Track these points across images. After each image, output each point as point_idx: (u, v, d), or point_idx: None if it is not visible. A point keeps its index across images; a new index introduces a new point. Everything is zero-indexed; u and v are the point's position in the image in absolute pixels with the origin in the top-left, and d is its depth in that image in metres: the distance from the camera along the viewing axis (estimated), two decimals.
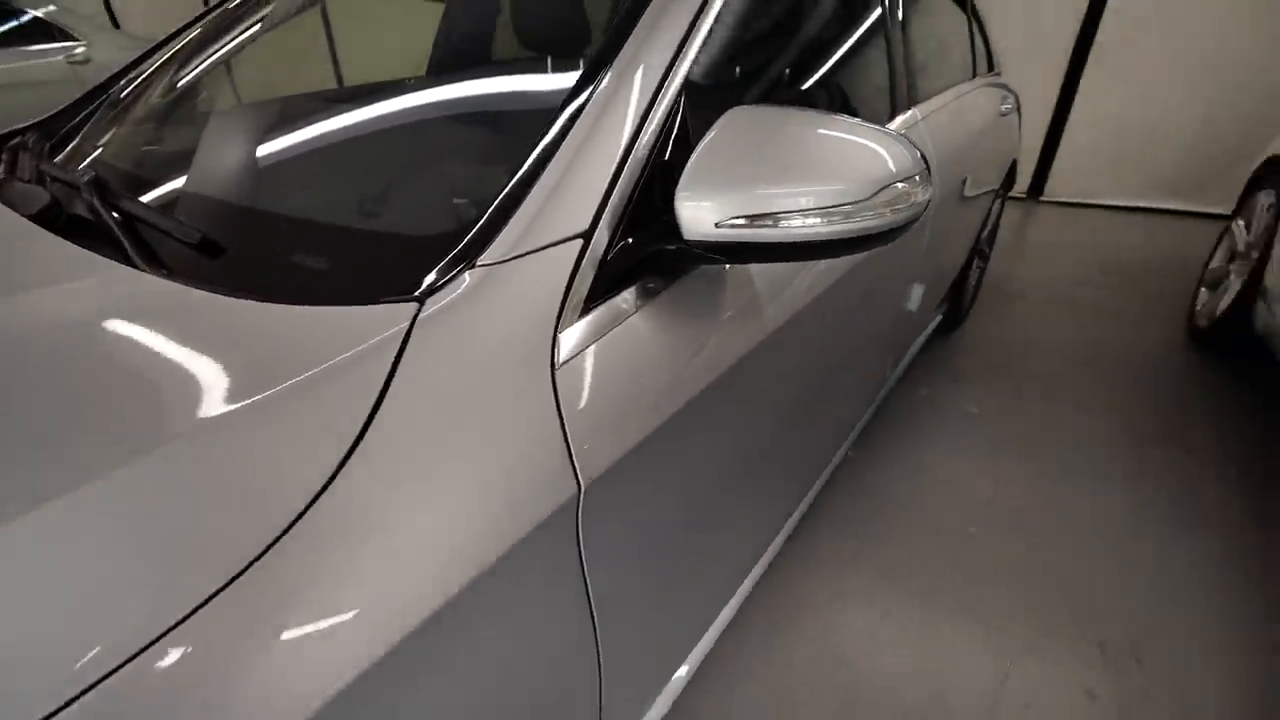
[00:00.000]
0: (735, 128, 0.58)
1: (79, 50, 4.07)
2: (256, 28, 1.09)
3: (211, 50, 1.11)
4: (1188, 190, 3.61)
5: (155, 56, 1.18)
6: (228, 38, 1.10)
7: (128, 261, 0.59)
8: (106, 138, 0.97)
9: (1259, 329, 1.97)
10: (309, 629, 0.36)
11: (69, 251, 0.63)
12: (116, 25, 5.94)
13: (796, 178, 0.55)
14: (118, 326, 0.51)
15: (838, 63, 1.07)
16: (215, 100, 1.10)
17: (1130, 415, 1.95)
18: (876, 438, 1.81)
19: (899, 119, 1.22)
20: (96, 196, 0.66)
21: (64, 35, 4.13)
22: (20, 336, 0.51)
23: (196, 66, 1.09)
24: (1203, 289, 2.44)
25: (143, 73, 1.12)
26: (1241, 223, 2.29)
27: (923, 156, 0.60)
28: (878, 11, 1.19)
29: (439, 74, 1.10)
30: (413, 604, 0.40)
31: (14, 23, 3.99)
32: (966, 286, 2.26)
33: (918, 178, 0.59)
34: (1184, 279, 2.79)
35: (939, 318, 2.11)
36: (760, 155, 0.56)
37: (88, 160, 0.91)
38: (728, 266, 0.69)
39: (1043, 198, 3.92)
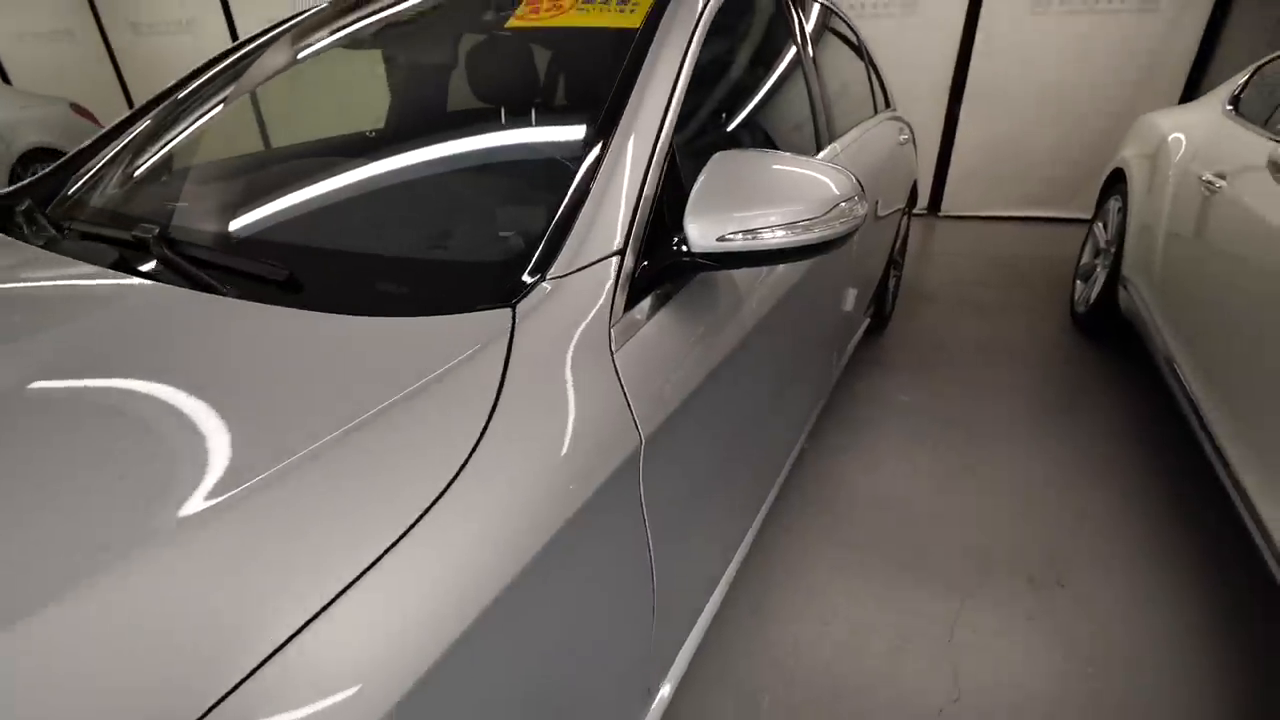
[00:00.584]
0: (722, 166, 0.76)
1: None
2: (261, 79, 1.21)
3: (231, 95, 1.21)
4: (1055, 201, 4.18)
5: (166, 103, 1.27)
6: (242, 84, 1.22)
7: (265, 299, 0.69)
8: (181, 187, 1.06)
9: (1124, 310, 2.35)
10: (449, 573, 0.47)
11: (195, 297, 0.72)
12: (8, 81, 5.67)
13: (769, 202, 0.74)
14: (282, 347, 0.62)
15: (774, 111, 1.30)
16: (267, 147, 1.21)
17: (1032, 390, 2.27)
18: (826, 428, 2.04)
19: (823, 152, 1.47)
20: (221, 247, 0.75)
21: None
22: (193, 364, 0.61)
23: (221, 109, 1.20)
24: (1078, 281, 2.87)
25: (170, 119, 1.21)
26: (1100, 224, 2.73)
27: (858, 181, 0.81)
28: (798, 67, 1.44)
29: (409, 128, 1.25)
30: (527, 541, 0.53)
31: None
32: (887, 293, 2.56)
33: (856, 198, 0.79)
34: (1062, 274, 3.24)
35: (868, 320, 2.39)
36: (741, 187, 0.75)
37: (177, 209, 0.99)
38: (720, 273, 0.87)
39: (940, 213, 4.42)
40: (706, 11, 1.01)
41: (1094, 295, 2.62)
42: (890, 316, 2.78)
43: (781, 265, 1.07)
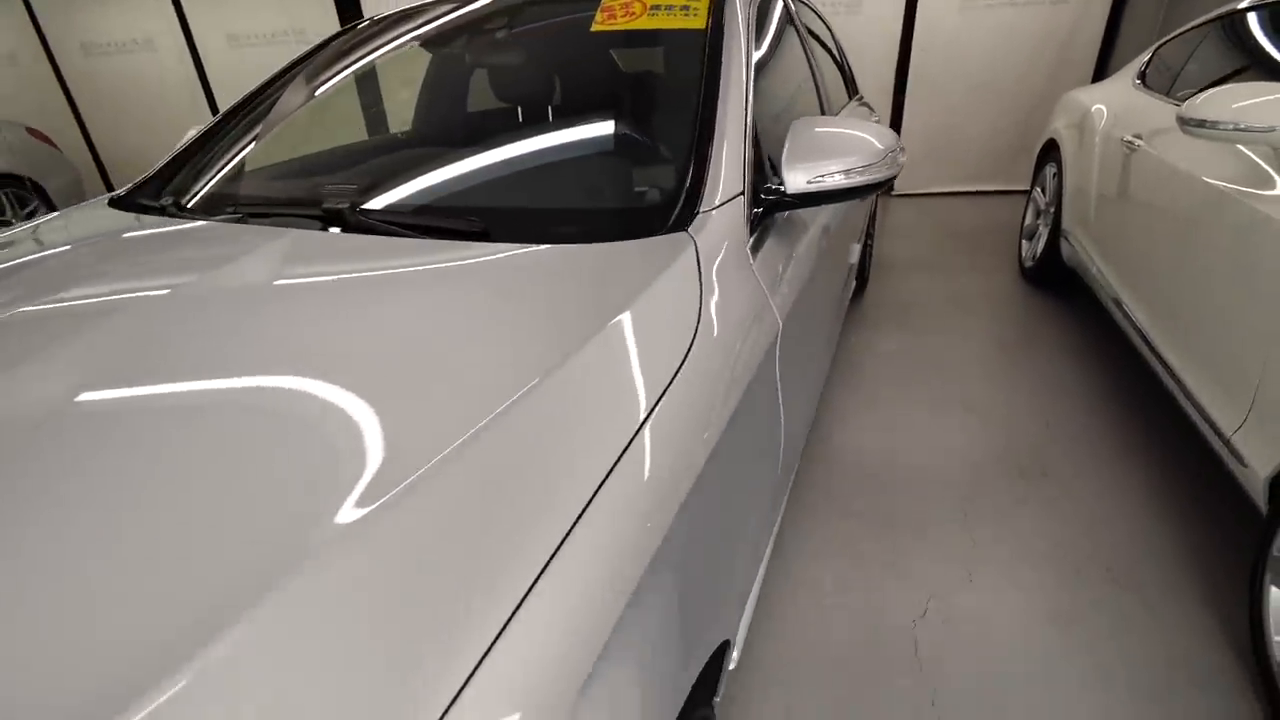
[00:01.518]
0: (801, 130, 1.01)
1: None
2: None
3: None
4: (993, 175, 4.64)
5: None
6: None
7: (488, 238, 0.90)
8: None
9: (1066, 259, 2.73)
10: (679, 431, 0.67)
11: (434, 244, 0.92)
12: None
13: (840, 155, 1.00)
14: (550, 268, 0.81)
15: (794, 90, 1.57)
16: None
17: (993, 333, 2.63)
18: (831, 375, 2.32)
19: None
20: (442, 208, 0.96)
21: None
22: (443, 292, 0.80)
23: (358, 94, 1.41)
24: (1024, 241, 3.27)
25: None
26: (1039, 189, 3.12)
27: (897, 136, 1.07)
28: (805, 55, 1.71)
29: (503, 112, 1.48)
30: (722, 405, 0.75)
31: None
32: (864, 263, 2.88)
33: (899, 149, 1.05)
34: (1008, 238, 3.65)
35: (854, 284, 2.70)
36: (818, 145, 1.00)
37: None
38: (797, 211, 1.12)
39: (894, 193, 4.82)
40: (749, 14, 1.26)
41: (1039, 251, 3.01)
42: (867, 281, 3.11)
43: (829, 210, 1.33)
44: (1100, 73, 4.24)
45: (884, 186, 1.03)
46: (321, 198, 1.11)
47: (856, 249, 2.18)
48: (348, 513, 0.49)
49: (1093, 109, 2.61)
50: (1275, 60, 1.83)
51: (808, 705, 1.21)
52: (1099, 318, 2.58)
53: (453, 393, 0.60)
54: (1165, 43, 2.51)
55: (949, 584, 1.45)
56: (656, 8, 1.26)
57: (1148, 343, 1.84)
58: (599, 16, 1.29)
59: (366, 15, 4.71)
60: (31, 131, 4.55)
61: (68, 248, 1.10)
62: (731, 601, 0.80)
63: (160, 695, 0.38)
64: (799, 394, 1.14)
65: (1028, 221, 3.24)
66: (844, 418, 2.08)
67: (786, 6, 1.68)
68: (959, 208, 4.46)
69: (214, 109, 5.31)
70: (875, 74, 4.44)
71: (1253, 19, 1.95)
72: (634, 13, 1.27)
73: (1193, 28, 2.33)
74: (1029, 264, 3.13)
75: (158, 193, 1.37)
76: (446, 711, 0.39)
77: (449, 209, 1.07)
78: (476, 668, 0.40)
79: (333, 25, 4.76)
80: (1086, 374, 2.27)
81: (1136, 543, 1.55)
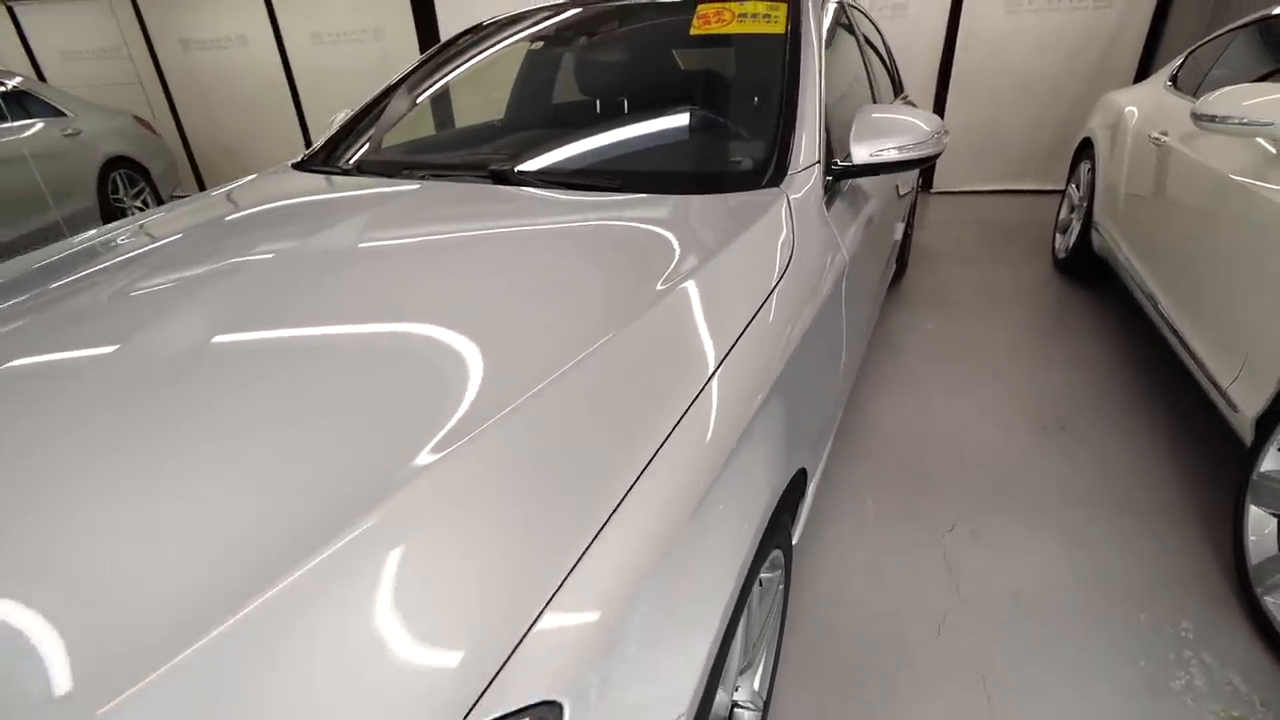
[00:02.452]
0: (866, 113, 1.28)
1: (71, 124, 4.28)
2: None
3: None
4: (1030, 174, 4.79)
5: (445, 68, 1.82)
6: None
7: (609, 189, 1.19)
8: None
9: (1096, 250, 2.92)
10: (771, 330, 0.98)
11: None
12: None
13: (896, 135, 1.26)
14: (681, 211, 1.11)
15: (853, 84, 1.83)
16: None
17: (1026, 316, 2.83)
18: (873, 350, 2.57)
19: None
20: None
21: (45, 107, 4.28)
22: (582, 234, 1.09)
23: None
24: (1058, 234, 3.45)
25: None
26: (1074, 186, 3.31)
27: (941, 121, 1.33)
28: (860, 55, 1.97)
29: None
30: (808, 307, 1.02)
31: None
32: (904, 251, 3.11)
33: (943, 131, 1.31)
34: (1042, 233, 3.83)
35: (894, 268, 2.93)
36: (879, 126, 1.27)
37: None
38: (860, 180, 1.39)
39: (932, 189, 5.00)
40: (820, 21, 1.53)
41: (1071, 243, 3.19)
42: (906, 267, 3.33)
43: (879, 193, 1.60)
44: (1142, 76, 4.36)
45: (930, 161, 1.29)
46: (484, 161, 1.42)
47: (900, 227, 2.42)
48: (505, 402, 0.65)
49: (1126, 109, 2.79)
50: None
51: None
52: (1123, 304, 2.77)
53: (624, 291, 0.87)
54: (1196, 48, 2.68)
55: (975, 509, 1.70)
56: (744, 15, 1.54)
57: (1163, 316, 2.05)
58: (695, 23, 1.57)
59: (440, 18, 5.12)
60: (138, 120, 5.04)
61: (285, 200, 1.42)
62: (811, 441, 1.07)
63: (351, 533, 0.52)
64: (857, 316, 1.42)
65: (1062, 216, 3.42)
66: (885, 384, 2.33)
67: (847, 15, 1.94)
68: (996, 205, 4.62)
69: (297, 102, 5.76)
70: (918, 74, 4.64)
71: (1274, 27, 2.14)
72: (725, 20, 1.55)
73: (1220, 35, 2.51)
74: (1062, 255, 3.31)
75: (327, 159, 1.70)
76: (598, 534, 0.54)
77: (596, 170, 1.38)
78: (628, 492, 0.59)
79: (409, 25, 5.14)
80: (1108, 351, 2.48)
81: (1141, 482, 1.77)
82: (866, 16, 2.46)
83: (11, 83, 4.21)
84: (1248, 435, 1.49)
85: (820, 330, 1.06)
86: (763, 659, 1.07)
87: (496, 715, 0.43)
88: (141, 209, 4.84)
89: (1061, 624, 1.37)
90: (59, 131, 4.20)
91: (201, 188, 6.42)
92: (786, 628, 1.30)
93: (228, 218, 1.32)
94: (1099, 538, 1.60)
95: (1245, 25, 2.35)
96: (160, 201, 5.02)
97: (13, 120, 4.02)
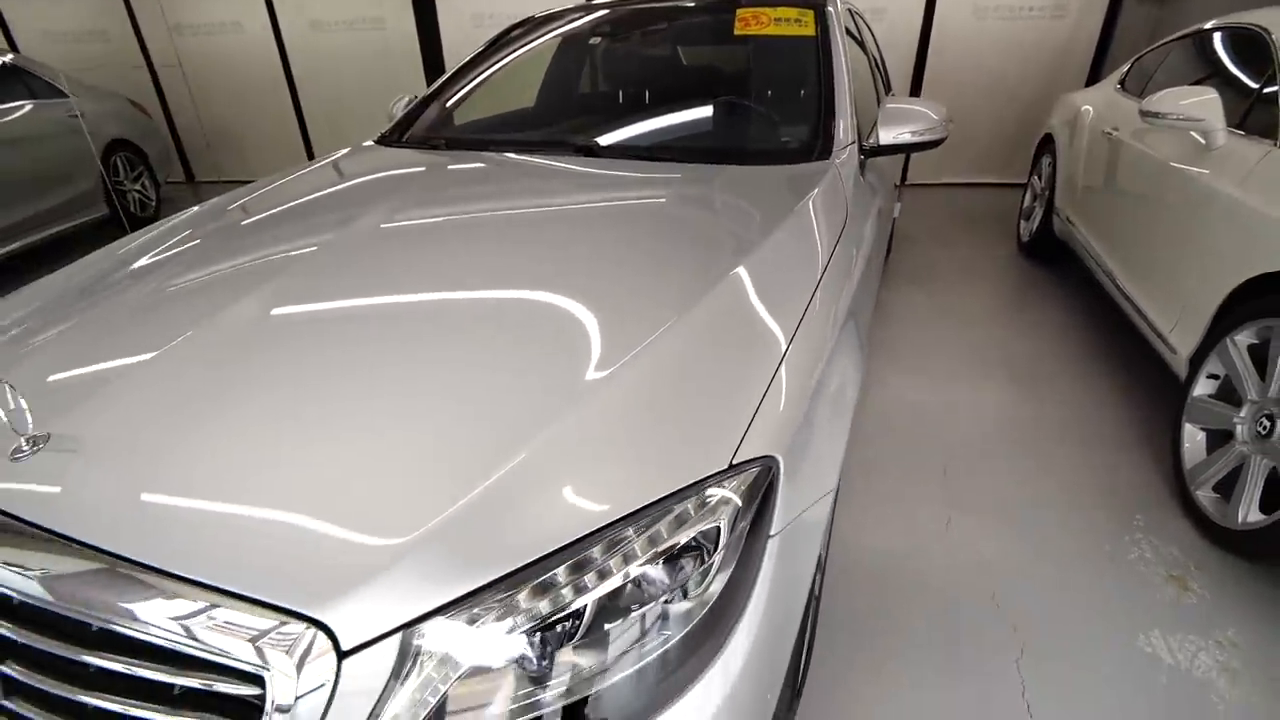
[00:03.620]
0: (891, 106, 1.57)
1: (74, 105, 4.29)
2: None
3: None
4: (995, 168, 5.23)
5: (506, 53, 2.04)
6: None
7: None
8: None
9: (1057, 232, 3.31)
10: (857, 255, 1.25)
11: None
12: None
13: (913, 122, 1.55)
14: (753, 179, 1.37)
15: (865, 80, 2.13)
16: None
17: (996, 291, 3.21)
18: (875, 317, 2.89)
19: None
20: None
21: (45, 85, 4.26)
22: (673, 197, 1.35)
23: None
24: (1022, 221, 3.85)
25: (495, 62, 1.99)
26: (1036, 176, 3.70)
27: (947, 110, 1.63)
28: (865, 55, 2.27)
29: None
30: (861, 250, 1.30)
31: None
32: (891, 237, 3.45)
33: (950, 119, 1.61)
34: (1007, 220, 4.23)
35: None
36: (900, 114, 1.56)
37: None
38: (881, 159, 1.68)
39: (906, 182, 5.40)
40: (842, 26, 1.81)
41: (1034, 228, 3.59)
42: (890, 251, 3.68)
43: (883, 177, 1.91)
44: (1093, 79, 4.82)
45: (939, 143, 1.59)
46: (562, 138, 1.66)
47: (898, 206, 2.75)
48: (679, 304, 0.93)
49: (1082, 108, 3.18)
50: (1224, 70, 2.41)
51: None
52: (1079, 279, 3.16)
53: (721, 244, 1.14)
54: (1141, 56, 3.08)
55: (963, 440, 2.02)
56: (779, 19, 1.82)
57: (1115, 283, 2.41)
58: (737, 24, 1.84)
59: (439, 9, 5.26)
60: (132, 103, 5.04)
61: (382, 171, 1.62)
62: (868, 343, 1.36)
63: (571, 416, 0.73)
64: (880, 250, 1.76)
65: (1025, 204, 3.82)
66: (878, 348, 2.65)
67: (855, 23, 2.24)
68: (966, 196, 5.04)
69: (293, 89, 5.80)
70: (895, 74, 5.01)
71: (1209, 39, 2.53)
72: (762, 23, 1.82)
73: (1162, 44, 2.90)
74: (1026, 239, 3.71)
75: (400, 138, 1.91)
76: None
77: (678, 145, 1.66)
78: (779, 366, 0.87)
79: (409, 15, 5.27)
80: (1066, 317, 2.86)
81: (1096, 416, 2.13)
82: (865, 22, 2.77)
83: (2, 59, 4.18)
84: (1183, 371, 1.85)
85: (870, 261, 1.36)
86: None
87: (746, 458, 0.70)
88: (140, 192, 4.86)
89: (1046, 517, 1.70)
90: (64, 112, 4.21)
91: (189, 176, 6.39)
92: None
93: (350, 184, 1.53)
94: (1068, 459, 1.94)
95: (1183, 37, 2.75)
96: (158, 186, 5.04)
97: (13, 100, 4.01)
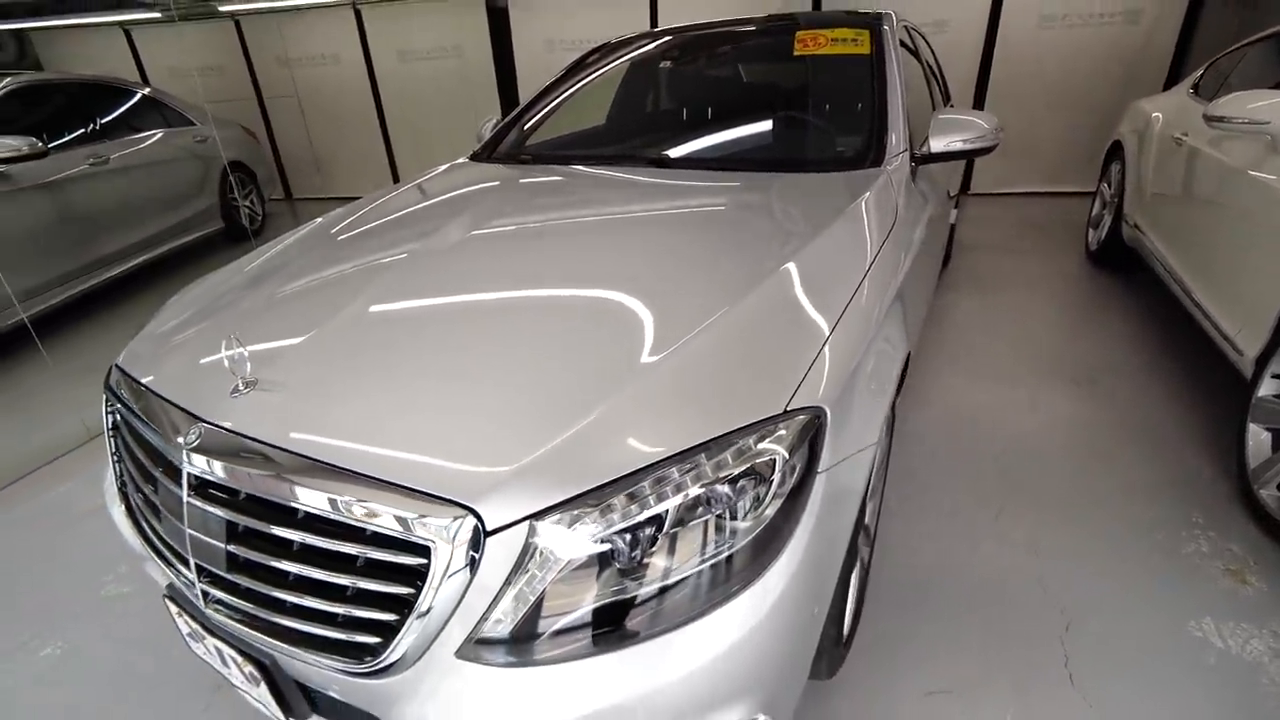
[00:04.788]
0: (940, 117, 1.68)
1: (200, 132, 4.87)
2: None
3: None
4: (1062, 177, 5.12)
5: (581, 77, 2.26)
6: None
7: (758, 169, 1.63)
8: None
9: (1126, 240, 3.26)
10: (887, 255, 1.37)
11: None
12: None
13: (963, 131, 1.66)
14: (818, 185, 1.52)
15: (922, 93, 2.23)
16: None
17: (1062, 297, 3.18)
18: (932, 322, 2.94)
19: None
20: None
21: (177, 115, 4.84)
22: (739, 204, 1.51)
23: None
24: (1090, 229, 3.79)
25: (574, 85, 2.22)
26: (1105, 184, 3.65)
27: (998, 120, 1.72)
28: (923, 69, 2.37)
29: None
30: (909, 247, 1.42)
31: (132, 101, 4.58)
32: (950, 244, 3.48)
33: (1000, 128, 1.71)
34: (1075, 229, 4.16)
35: (942, 256, 3.31)
36: (950, 125, 1.67)
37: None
38: (932, 165, 1.79)
39: (970, 191, 5.35)
40: (896, 44, 1.93)
41: (1103, 236, 3.53)
42: (950, 258, 3.70)
43: (945, 177, 2.00)
44: (1171, 85, 4.67)
45: (989, 150, 1.68)
46: (635, 151, 1.85)
47: (954, 213, 2.81)
48: (739, 291, 1.08)
49: (1152, 115, 3.14)
50: None
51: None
52: (1147, 287, 3.10)
53: (776, 241, 1.28)
54: (1215, 60, 3.03)
55: (1020, 434, 2.07)
56: (836, 40, 1.96)
57: (1183, 288, 2.39)
58: (796, 46, 1.99)
59: (514, 37, 5.66)
60: (244, 129, 5.65)
61: (478, 184, 1.85)
62: (913, 333, 1.47)
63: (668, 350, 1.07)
64: (934, 254, 1.86)
65: (1094, 212, 3.76)
66: (936, 351, 2.70)
67: (911, 39, 2.35)
68: (1029, 206, 4.96)
69: (380, 114, 6.33)
70: (957, 85, 5.00)
71: None
72: (820, 44, 1.97)
73: (1238, 48, 2.85)
74: (1094, 247, 3.65)
75: (490, 154, 2.15)
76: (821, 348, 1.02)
77: (741, 156, 1.84)
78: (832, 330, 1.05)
79: (486, 44, 5.68)
80: (1132, 325, 2.82)
81: (1160, 419, 2.13)
82: (922, 36, 2.86)
83: (141, 92, 4.77)
84: (1249, 371, 1.84)
85: (918, 257, 1.48)
86: (879, 498, 1.47)
87: (798, 405, 0.85)
88: (250, 208, 5.42)
89: (1099, 512, 1.74)
90: (191, 138, 4.79)
91: (288, 194, 7.03)
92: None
93: (454, 193, 1.77)
94: (1126, 458, 1.95)
95: (1261, 39, 2.70)
96: (264, 202, 5.60)
97: (150, 128, 4.59)
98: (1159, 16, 4.60)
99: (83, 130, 3.98)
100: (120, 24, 6.50)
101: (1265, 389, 1.75)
